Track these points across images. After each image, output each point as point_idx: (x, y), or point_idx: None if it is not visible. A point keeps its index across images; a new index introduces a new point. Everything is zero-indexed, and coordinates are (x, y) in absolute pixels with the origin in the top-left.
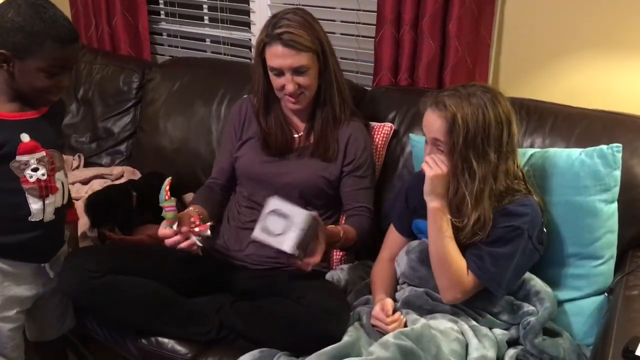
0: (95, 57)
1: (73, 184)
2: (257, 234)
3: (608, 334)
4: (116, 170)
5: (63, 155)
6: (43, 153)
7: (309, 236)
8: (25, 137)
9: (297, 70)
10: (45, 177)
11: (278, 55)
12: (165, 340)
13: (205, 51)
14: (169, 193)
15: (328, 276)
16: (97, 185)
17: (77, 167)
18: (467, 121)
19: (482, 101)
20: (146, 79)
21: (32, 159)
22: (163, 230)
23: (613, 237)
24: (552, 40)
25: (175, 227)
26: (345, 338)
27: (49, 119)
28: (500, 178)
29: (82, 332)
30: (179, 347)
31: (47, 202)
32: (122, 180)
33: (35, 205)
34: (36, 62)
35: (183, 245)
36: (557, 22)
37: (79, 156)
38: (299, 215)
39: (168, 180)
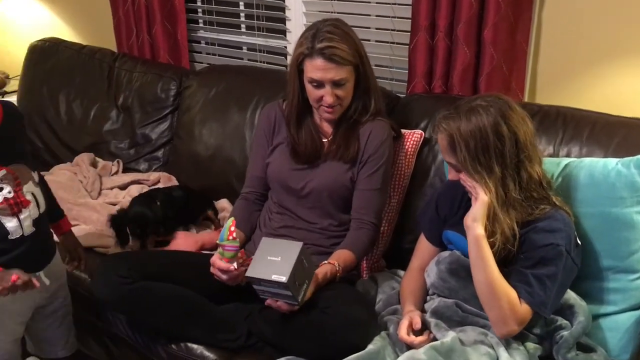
0: (135, 65)
1: (112, 189)
2: (250, 272)
3: None
4: (153, 176)
5: (96, 158)
6: (3, 171)
7: (304, 270)
8: None
9: (337, 83)
10: (12, 195)
11: (319, 69)
12: (195, 346)
13: (242, 59)
14: (233, 234)
15: (358, 284)
16: (134, 190)
17: (116, 173)
18: (466, 138)
19: (479, 114)
20: (183, 87)
21: None
22: (219, 262)
23: None
24: (590, 46)
25: (234, 265)
26: (370, 347)
27: (4, 133)
28: (510, 187)
29: (114, 334)
30: (207, 353)
31: (22, 217)
32: (158, 186)
33: (10, 223)
34: None
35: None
36: (596, 28)
37: (118, 162)
38: (312, 267)
39: (232, 221)
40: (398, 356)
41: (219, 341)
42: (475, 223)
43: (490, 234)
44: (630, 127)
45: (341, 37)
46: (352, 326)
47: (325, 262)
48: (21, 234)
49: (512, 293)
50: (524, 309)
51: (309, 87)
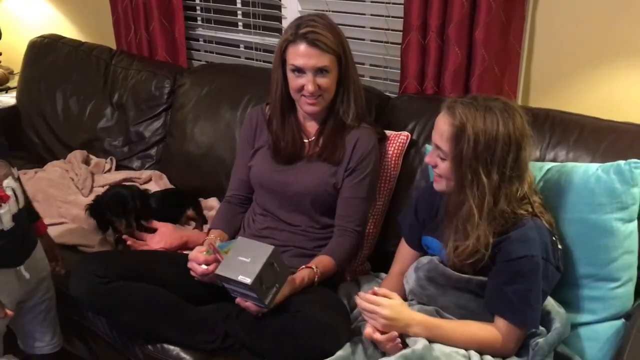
0: (131, 62)
1: (103, 186)
2: (219, 270)
3: None
4: (145, 174)
5: (90, 155)
6: None
7: (275, 273)
8: None
9: (319, 71)
10: None
11: (302, 54)
12: (171, 347)
13: (239, 57)
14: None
15: (341, 287)
16: None
17: (109, 170)
18: (478, 133)
19: (496, 117)
20: (177, 85)
21: None
22: (197, 254)
23: (631, 259)
24: (586, 48)
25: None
26: (339, 352)
27: None
28: (501, 202)
29: (94, 333)
30: (184, 355)
31: (1, 212)
32: (150, 184)
33: None
34: None
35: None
36: (592, 30)
37: (111, 159)
38: (284, 271)
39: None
40: None
41: (195, 342)
42: (406, 329)
43: (464, 237)
44: (620, 131)
45: (325, 26)
46: (322, 331)
47: (304, 266)
48: (1, 228)
49: (487, 329)
50: (513, 332)
51: (290, 77)
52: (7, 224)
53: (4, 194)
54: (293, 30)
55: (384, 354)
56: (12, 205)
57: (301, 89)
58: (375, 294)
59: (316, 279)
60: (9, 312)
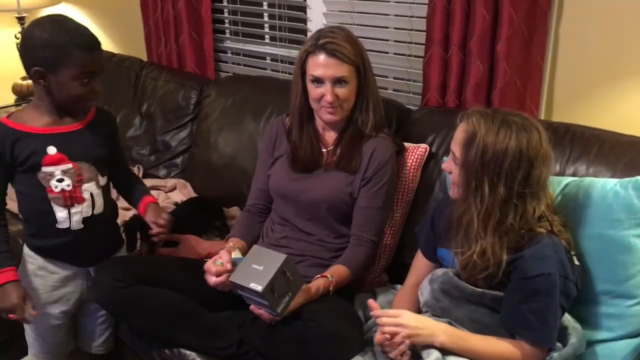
0: (160, 74)
1: None
2: (232, 277)
3: None
4: (170, 182)
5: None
6: (69, 165)
7: (287, 282)
8: (51, 150)
9: (338, 81)
10: (70, 188)
11: (321, 65)
12: (187, 352)
13: (266, 69)
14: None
15: (357, 298)
16: None
17: None
18: (487, 144)
19: (510, 132)
20: (203, 95)
21: (57, 170)
22: (210, 265)
23: None
24: (610, 63)
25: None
26: None
27: (86, 133)
28: (510, 217)
29: (116, 337)
30: None
31: (72, 211)
32: (174, 193)
33: (60, 213)
34: (68, 72)
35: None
36: (615, 44)
37: (138, 168)
38: (297, 281)
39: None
40: None
41: (210, 348)
42: (432, 338)
43: (466, 246)
44: None
45: (344, 38)
46: (334, 340)
47: (319, 275)
48: (68, 226)
49: (505, 345)
50: (531, 350)
51: (310, 87)
52: (76, 224)
53: (80, 196)
54: (313, 42)
55: None
56: (85, 208)
57: (320, 98)
58: (385, 315)
59: (331, 288)
60: (33, 312)
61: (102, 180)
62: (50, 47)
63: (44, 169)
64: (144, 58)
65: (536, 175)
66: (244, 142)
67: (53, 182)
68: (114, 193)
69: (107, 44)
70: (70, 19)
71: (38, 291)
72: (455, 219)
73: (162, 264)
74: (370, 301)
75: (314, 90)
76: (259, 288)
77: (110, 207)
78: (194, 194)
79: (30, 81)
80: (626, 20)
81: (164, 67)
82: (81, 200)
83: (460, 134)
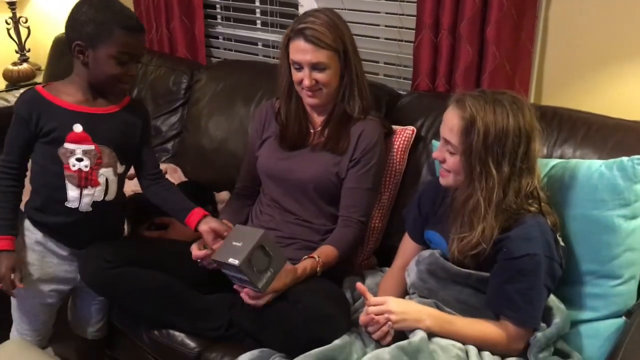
0: (151, 59)
1: None
2: (214, 255)
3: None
4: (160, 167)
5: None
6: (92, 146)
7: (267, 257)
8: (77, 128)
9: (316, 67)
10: (87, 169)
11: (299, 50)
12: (176, 333)
13: (257, 54)
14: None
15: (346, 281)
16: None
17: None
18: (488, 125)
19: (505, 110)
20: (194, 80)
21: (78, 149)
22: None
23: (634, 256)
24: (600, 47)
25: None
26: (336, 341)
27: (116, 118)
28: (510, 195)
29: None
30: (188, 341)
31: (84, 192)
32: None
33: (72, 192)
34: (107, 49)
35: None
36: (605, 28)
37: None
38: (279, 257)
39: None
40: (365, 352)
41: (199, 329)
42: (418, 323)
43: (469, 229)
44: (627, 129)
45: (324, 22)
46: (320, 321)
47: (306, 256)
48: (76, 206)
49: (498, 332)
50: (517, 331)
51: (292, 71)
52: (84, 206)
53: (96, 179)
54: (294, 26)
55: (379, 345)
56: (98, 192)
57: (300, 82)
58: (370, 303)
59: (318, 268)
60: (19, 284)
61: (120, 169)
62: (94, 22)
63: (66, 145)
64: None
65: (533, 149)
66: (234, 127)
67: (72, 160)
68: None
69: None
70: (119, 2)
71: (32, 266)
72: (459, 203)
73: (152, 246)
74: (359, 284)
75: (295, 74)
76: (236, 262)
77: (122, 197)
78: (184, 179)
79: (21, 67)
80: (615, 5)
81: (154, 52)
82: (95, 184)
83: (455, 121)
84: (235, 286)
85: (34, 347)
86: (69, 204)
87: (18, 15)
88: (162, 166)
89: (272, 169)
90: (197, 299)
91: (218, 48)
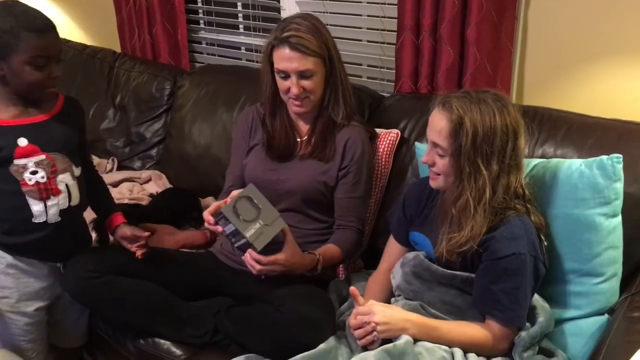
0: (134, 65)
1: None
2: (224, 210)
3: (596, 357)
4: (144, 174)
5: (92, 156)
6: (42, 156)
7: (256, 209)
8: (22, 142)
9: (303, 74)
10: (45, 180)
11: (285, 58)
12: (162, 341)
13: (241, 59)
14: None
15: (331, 284)
16: (125, 188)
17: (111, 170)
18: (476, 125)
19: (491, 108)
20: (177, 86)
21: (30, 162)
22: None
23: (616, 254)
24: (579, 46)
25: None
26: (321, 346)
27: (56, 122)
28: (499, 192)
29: (89, 329)
30: (174, 349)
31: (49, 203)
32: (150, 184)
33: (36, 207)
34: (19, 57)
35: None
36: (584, 28)
37: (113, 160)
38: (270, 212)
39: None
40: (351, 356)
41: (184, 337)
42: (402, 332)
43: (458, 229)
44: (607, 128)
45: (308, 29)
46: (303, 325)
47: (307, 252)
48: (44, 219)
49: (475, 330)
50: (502, 331)
51: (277, 79)
52: (53, 217)
53: (56, 187)
54: (277, 33)
55: (365, 349)
56: (62, 200)
57: (287, 91)
58: (358, 313)
59: (319, 265)
60: None
61: (77, 171)
62: None
63: (16, 161)
64: (118, 49)
65: (520, 145)
66: (217, 132)
67: (26, 175)
68: None
69: (80, 36)
70: (20, 3)
71: (9, 290)
72: (448, 204)
73: (134, 254)
74: (352, 288)
75: (281, 83)
76: (223, 210)
77: (86, 200)
78: (169, 185)
79: None
80: (593, 5)
81: (137, 58)
82: (57, 192)
83: (443, 123)
84: (243, 257)
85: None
86: (36, 220)
87: None
88: (147, 173)
89: (261, 179)
90: (181, 306)
91: (201, 53)
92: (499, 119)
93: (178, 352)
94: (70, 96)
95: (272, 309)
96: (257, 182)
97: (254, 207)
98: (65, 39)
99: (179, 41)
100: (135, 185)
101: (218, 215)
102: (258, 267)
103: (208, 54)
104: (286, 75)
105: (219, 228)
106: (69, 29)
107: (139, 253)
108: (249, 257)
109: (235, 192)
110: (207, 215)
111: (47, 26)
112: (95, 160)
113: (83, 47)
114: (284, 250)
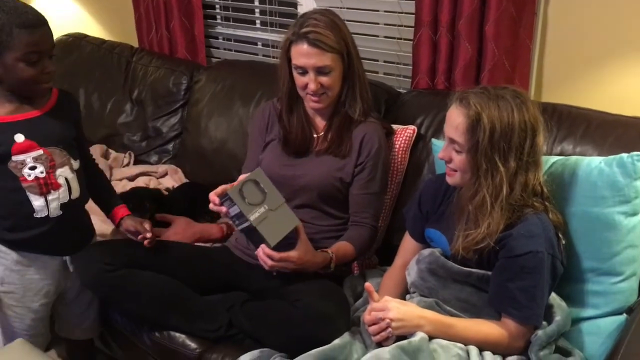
0: (151, 60)
1: (121, 180)
2: (230, 191)
3: (614, 357)
4: (161, 168)
5: (109, 150)
6: (40, 151)
7: (262, 193)
8: (19, 138)
9: (321, 70)
10: (44, 175)
11: (303, 54)
12: (177, 334)
13: (257, 54)
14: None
15: (346, 280)
16: (141, 182)
17: (127, 164)
18: (493, 121)
19: (509, 105)
20: (194, 81)
21: (28, 158)
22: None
23: (635, 253)
24: (599, 43)
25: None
26: (336, 341)
27: (51, 117)
28: (517, 190)
29: (106, 322)
30: (189, 342)
31: (49, 198)
32: (166, 179)
33: (37, 202)
34: (12, 54)
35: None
36: (605, 24)
37: (130, 154)
38: (275, 197)
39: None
40: (366, 352)
41: (198, 330)
42: (418, 329)
43: (474, 226)
44: (627, 126)
45: (327, 25)
46: (318, 320)
47: (320, 250)
48: (46, 214)
49: (492, 328)
50: (518, 329)
51: (295, 75)
52: (54, 211)
53: (55, 182)
54: (296, 29)
55: (379, 345)
56: (62, 194)
57: (305, 87)
58: (373, 309)
59: (332, 263)
60: None
61: (76, 164)
62: None
63: (14, 157)
64: (135, 44)
65: (539, 143)
66: (234, 127)
67: (25, 171)
68: None
69: (98, 31)
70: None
71: (15, 286)
72: (464, 201)
73: (151, 247)
74: (367, 284)
75: (298, 79)
76: (228, 192)
77: (86, 192)
78: (185, 180)
79: None
80: (614, 2)
81: (154, 53)
82: (57, 187)
83: (460, 119)
84: (255, 252)
85: (37, 350)
86: (38, 215)
87: None
88: (163, 167)
89: (277, 174)
90: (196, 300)
91: (218, 48)
92: (517, 115)
93: (193, 345)
94: (64, 90)
95: (287, 304)
96: (273, 178)
97: (260, 191)
98: (83, 34)
99: (196, 36)
100: (152, 180)
101: (224, 196)
102: (270, 262)
103: (224, 49)
104: (304, 71)
105: (223, 209)
106: (87, 24)
107: (145, 242)
108: (261, 252)
109: (242, 176)
110: (212, 195)
111: (39, 21)
112: (112, 154)
113: (101, 42)
114: (297, 248)
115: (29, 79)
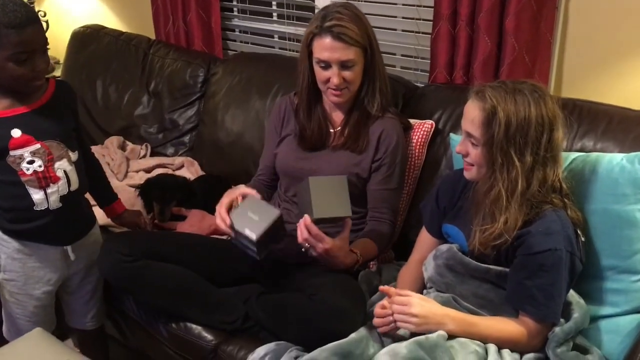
0: (168, 52)
1: (137, 171)
2: (231, 216)
3: (633, 356)
4: (177, 160)
5: (126, 142)
6: (38, 145)
7: (276, 235)
8: (16, 132)
9: (345, 64)
10: (42, 168)
11: (327, 48)
12: (193, 326)
13: (274, 47)
14: None
15: (362, 275)
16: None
17: (144, 156)
18: (509, 115)
19: (527, 99)
20: (210, 73)
21: (25, 152)
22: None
23: None
24: (621, 38)
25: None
26: (352, 335)
27: (48, 110)
28: (534, 184)
29: (123, 312)
30: (205, 334)
31: (49, 191)
32: (182, 171)
33: (36, 195)
34: (1, 54)
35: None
36: (625, 19)
37: (146, 146)
38: (271, 212)
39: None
40: (382, 346)
41: (215, 322)
42: (440, 326)
43: (491, 221)
44: None
45: (350, 18)
46: (336, 314)
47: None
48: (46, 207)
49: (511, 325)
50: (536, 327)
51: (317, 69)
52: (54, 204)
53: (54, 175)
54: (319, 23)
55: (397, 339)
56: (61, 186)
57: (327, 81)
58: (394, 302)
59: (358, 265)
60: None
61: (74, 156)
62: None
63: (12, 152)
64: (153, 37)
65: (557, 138)
66: (250, 120)
67: (24, 165)
68: None
69: (116, 23)
70: None
71: (17, 273)
72: (480, 195)
73: (168, 239)
74: (383, 288)
75: (320, 73)
76: (254, 236)
77: (86, 183)
78: (201, 172)
79: None
80: None
81: (171, 45)
82: (56, 180)
83: (476, 112)
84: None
85: (54, 339)
86: (38, 208)
87: (37, 9)
88: (179, 159)
89: (292, 168)
90: (213, 292)
91: (234, 41)
92: (534, 110)
93: (209, 337)
94: (61, 80)
95: (304, 298)
96: (289, 171)
97: (276, 234)
98: (101, 26)
99: (213, 29)
100: (168, 172)
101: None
102: (305, 234)
103: (241, 41)
104: (327, 65)
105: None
106: (105, 16)
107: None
108: (302, 222)
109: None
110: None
111: (27, 20)
112: (129, 145)
113: (119, 33)
114: (337, 238)
115: (20, 77)
